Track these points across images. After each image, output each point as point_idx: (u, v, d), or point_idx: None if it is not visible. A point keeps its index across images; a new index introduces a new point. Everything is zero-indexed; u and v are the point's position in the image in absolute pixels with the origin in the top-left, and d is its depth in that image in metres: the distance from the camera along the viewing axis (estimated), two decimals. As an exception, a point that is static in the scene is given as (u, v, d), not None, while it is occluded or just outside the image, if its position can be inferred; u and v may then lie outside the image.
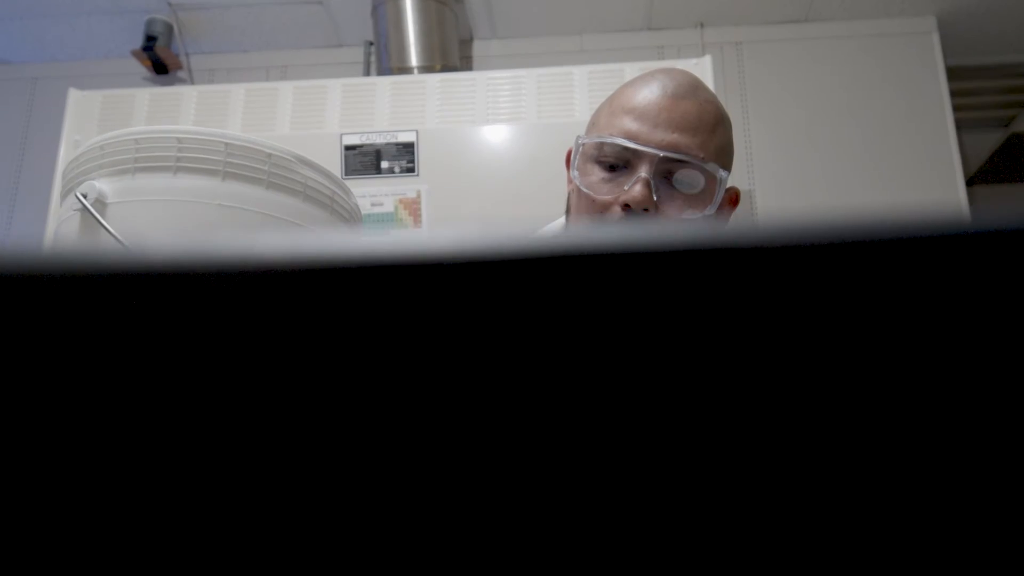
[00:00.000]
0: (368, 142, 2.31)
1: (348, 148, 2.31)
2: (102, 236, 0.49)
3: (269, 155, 0.52)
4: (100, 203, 0.50)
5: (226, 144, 0.51)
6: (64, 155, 2.32)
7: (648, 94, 0.92)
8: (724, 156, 0.94)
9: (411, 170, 2.29)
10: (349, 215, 0.59)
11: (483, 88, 2.38)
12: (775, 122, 2.85)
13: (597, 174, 0.93)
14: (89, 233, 0.50)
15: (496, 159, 2.31)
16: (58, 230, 0.53)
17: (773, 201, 2.77)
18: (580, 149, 0.95)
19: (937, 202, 2.71)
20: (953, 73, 2.88)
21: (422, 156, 2.30)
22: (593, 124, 0.98)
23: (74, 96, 2.41)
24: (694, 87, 0.93)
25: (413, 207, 2.28)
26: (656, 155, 0.88)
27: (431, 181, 2.29)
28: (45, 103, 3.04)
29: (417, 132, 2.32)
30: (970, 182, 3.18)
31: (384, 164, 2.29)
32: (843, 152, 2.79)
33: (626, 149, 0.90)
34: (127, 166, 0.50)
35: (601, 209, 0.91)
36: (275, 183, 0.52)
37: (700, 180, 0.90)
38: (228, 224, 0.50)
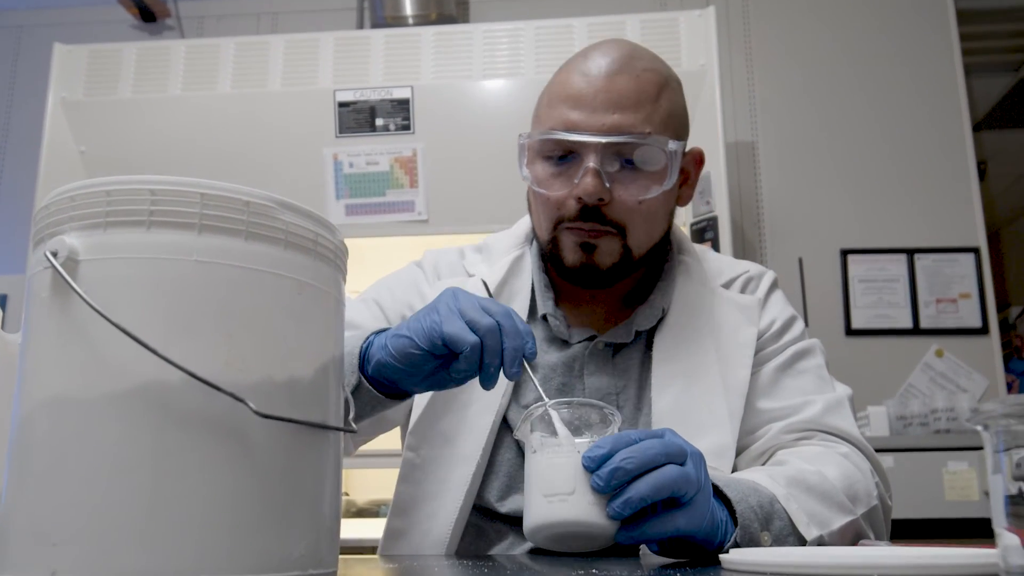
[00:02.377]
0: (362, 98, 2.25)
1: (342, 105, 2.25)
2: (73, 297, 0.47)
3: (247, 203, 0.51)
4: (72, 261, 0.48)
5: (202, 195, 0.50)
6: (51, 113, 2.27)
7: (581, 78, 0.87)
8: (674, 123, 0.89)
9: (407, 127, 2.24)
10: (334, 256, 0.57)
11: (480, 41, 2.31)
12: (780, 68, 2.78)
13: (546, 169, 0.89)
14: (60, 292, 0.48)
15: (494, 116, 2.25)
16: (30, 285, 0.51)
17: (775, 150, 2.72)
18: (525, 146, 0.90)
19: (942, 146, 2.66)
20: (963, 17, 2.80)
21: (418, 113, 2.24)
22: (536, 118, 0.93)
23: (59, 51, 2.34)
24: (629, 57, 0.88)
25: (409, 166, 2.24)
26: (599, 142, 0.84)
27: (427, 139, 2.24)
28: (31, 53, 2.97)
29: (412, 88, 2.25)
30: (977, 127, 3.12)
31: (379, 121, 2.24)
32: (848, 98, 2.73)
33: (568, 140, 0.85)
34: (98, 220, 0.49)
35: (557, 205, 0.88)
36: (254, 232, 0.51)
37: (652, 156, 0.86)
38: (205, 281, 0.49)
